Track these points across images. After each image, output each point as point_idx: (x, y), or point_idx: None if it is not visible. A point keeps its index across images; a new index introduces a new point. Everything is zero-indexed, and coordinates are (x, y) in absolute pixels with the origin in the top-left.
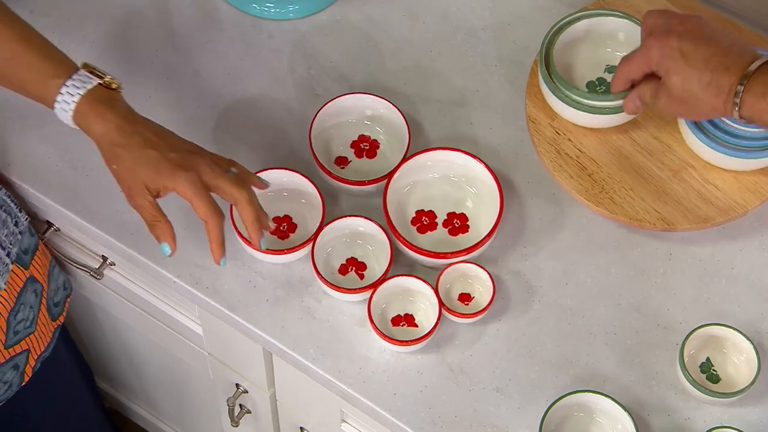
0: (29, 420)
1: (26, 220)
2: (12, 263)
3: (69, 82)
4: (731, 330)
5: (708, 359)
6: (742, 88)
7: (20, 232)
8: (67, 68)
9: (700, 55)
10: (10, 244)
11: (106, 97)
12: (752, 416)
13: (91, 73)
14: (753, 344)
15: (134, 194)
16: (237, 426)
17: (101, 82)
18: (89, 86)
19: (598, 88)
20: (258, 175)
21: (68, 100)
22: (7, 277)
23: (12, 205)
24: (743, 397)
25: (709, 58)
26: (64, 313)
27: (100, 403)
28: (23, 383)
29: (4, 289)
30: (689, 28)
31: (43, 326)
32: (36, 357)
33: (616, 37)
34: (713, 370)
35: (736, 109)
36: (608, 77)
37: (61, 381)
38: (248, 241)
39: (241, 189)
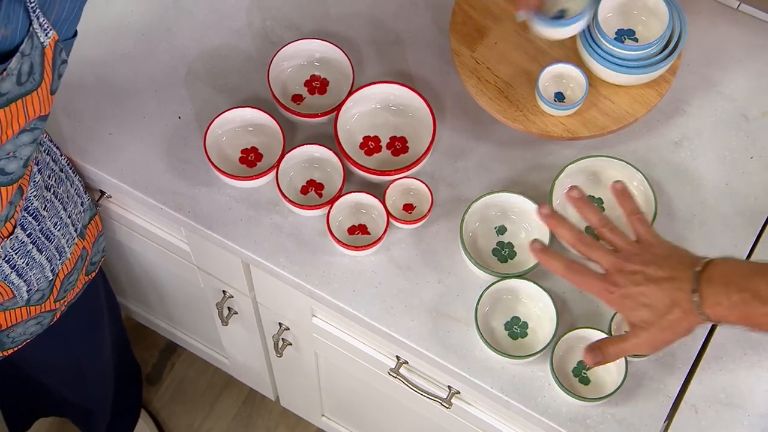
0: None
1: (88, 199)
2: (77, 237)
3: None
4: None
5: None
6: (698, 299)
7: (84, 210)
8: None
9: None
10: (78, 221)
11: None
12: None
13: None
14: None
15: None
16: (227, 325)
17: None
18: None
19: None
20: (227, 113)
21: None
22: (73, 248)
23: (80, 186)
24: None
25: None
26: (96, 270)
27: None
28: (51, 323)
29: (68, 258)
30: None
31: (79, 282)
32: (66, 303)
33: None
34: None
35: (704, 318)
36: None
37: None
38: (221, 170)
39: None
